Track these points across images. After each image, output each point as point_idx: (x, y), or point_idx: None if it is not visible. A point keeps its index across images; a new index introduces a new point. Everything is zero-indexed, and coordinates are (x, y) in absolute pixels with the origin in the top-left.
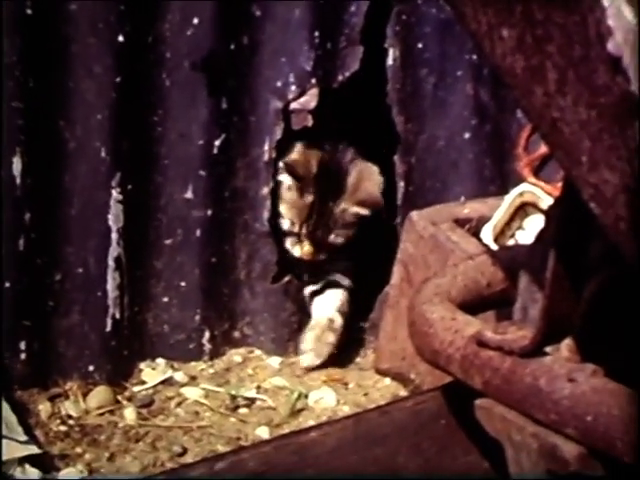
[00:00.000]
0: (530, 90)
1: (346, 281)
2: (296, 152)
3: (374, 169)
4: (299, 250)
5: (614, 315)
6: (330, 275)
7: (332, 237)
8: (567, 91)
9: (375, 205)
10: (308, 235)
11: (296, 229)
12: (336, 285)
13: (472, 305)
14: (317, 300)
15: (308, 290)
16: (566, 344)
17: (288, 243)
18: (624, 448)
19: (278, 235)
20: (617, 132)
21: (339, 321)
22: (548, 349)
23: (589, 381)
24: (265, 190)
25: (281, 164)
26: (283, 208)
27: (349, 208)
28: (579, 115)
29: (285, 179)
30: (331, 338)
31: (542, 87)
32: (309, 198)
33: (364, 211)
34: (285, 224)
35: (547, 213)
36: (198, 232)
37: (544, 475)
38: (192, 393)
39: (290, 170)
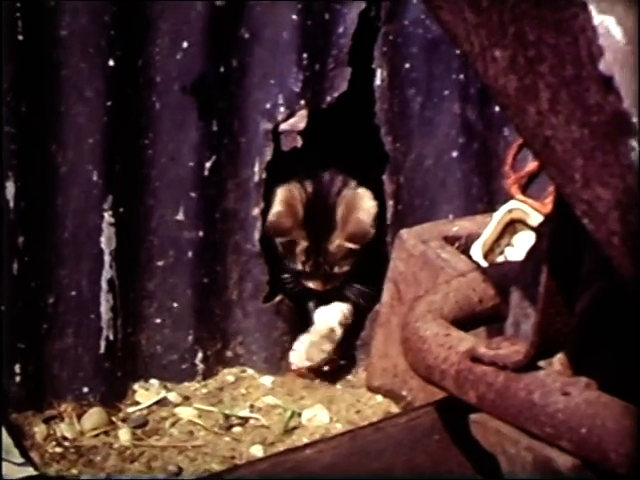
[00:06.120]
0: (523, 109)
1: (353, 295)
2: (275, 212)
3: (364, 195)
4: (312, 284)
5: (607, 329)
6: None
7: (336, 269)
8: (560, 110)
9: (365, 237)
10: (313, 272)
11: (303, 268)
12: (343, 298)
13: (464, 321)
14: (321, 309)
15: (313, 300)
16: (559, 358)
17: (302, 279)
18: (618, 460)
19: (269, 255)
20: (609, 149)
21: (339, 333)
22: (541, 363)
23: (582, 394)
24: (256, 211)
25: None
26: (286, 256)
27: (342, 244)
28: (572, 133)
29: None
30: (327, 346)
31: (535, 106)
32: (303, 244)
33: (355, 246)
34: (293, 266)
35: (538, 230)
36: (190, 253)
37: None
38: (186, 413)
39: (274, 232)
